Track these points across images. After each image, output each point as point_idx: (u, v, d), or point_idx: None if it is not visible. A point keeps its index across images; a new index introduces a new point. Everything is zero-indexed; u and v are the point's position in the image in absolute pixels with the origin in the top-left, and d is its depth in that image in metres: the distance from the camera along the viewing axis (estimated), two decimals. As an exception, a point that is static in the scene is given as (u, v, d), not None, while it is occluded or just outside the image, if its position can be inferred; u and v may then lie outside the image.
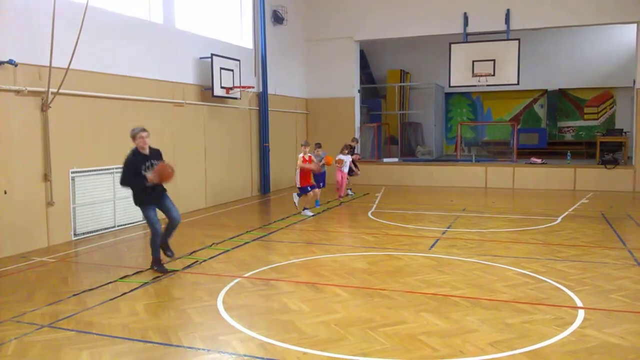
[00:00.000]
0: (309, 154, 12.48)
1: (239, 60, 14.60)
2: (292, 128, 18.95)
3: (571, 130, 24.21)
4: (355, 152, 16.06)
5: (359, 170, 16.13)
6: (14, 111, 8.84)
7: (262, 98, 16.53)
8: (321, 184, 13.42)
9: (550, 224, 11.07)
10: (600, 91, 23.52)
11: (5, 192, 8.70)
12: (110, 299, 6.39)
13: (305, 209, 12.41)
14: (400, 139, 23.09)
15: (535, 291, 6.53)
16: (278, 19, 17.42)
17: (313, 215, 12.20)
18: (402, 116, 23.92)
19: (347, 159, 14.75)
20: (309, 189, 12.41)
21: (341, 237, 10.14)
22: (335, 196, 14.96)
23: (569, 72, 23.28)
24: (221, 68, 13.79)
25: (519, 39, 17.22)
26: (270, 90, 16.84)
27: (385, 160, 20.18)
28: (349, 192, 15.87)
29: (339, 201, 14.53)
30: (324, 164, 13.41)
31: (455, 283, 6.90)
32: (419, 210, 13.23)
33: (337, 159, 14.55)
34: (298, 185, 12.44)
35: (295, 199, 12.55)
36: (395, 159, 20.56)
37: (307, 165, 12.28)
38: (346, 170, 14.72)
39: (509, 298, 6.27)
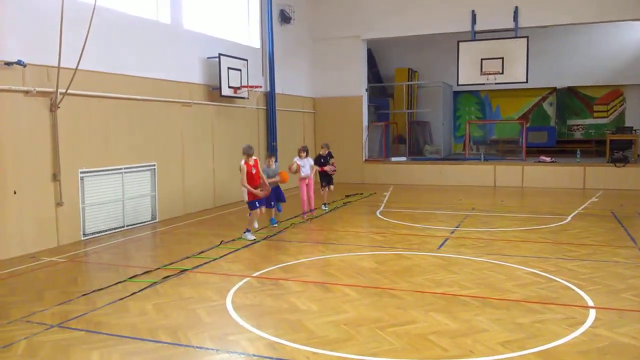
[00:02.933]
0: (255, 159, 9.79)
1: (246, 60, 14.60)
2: (299, 127, 18.95)
3: (580, 129, 24.05)
4: (331, 162, 12.83)
5: (331, 185, 13.00)
6: (23, 111, 8.88)
7: (270, 97, 16.53)
8: (273, 202, 10.67)
9: (559, 223, 10.99)
10: (610, 89, 23.34)
11: (15, 192, 8.74)
12: (120, 299, 6.40)
13: (247, 230, 9.88)
14: (408, 137, 23.02)
15: (546, 290, 6.48)
16: (285, 18, 17.41)
17: (256, 241, 9.59)
18: (410, 115, 23.86)
19: (305, 163, 11.84)
20: (257, 204, 9.79)
21: (349, 236, 10.12)
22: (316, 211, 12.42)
23: (578, 69, 23.12)
24: (229, 68, 13.80)
25: (527, 37, 17.13)
26: (277, 90, 16.84)
27: (393, 159, 20.13)
28: (323, 207, 13.11)
29: (307, 217, 11.84)
30: (277, 182, 10.75)
31: (465, 282, 6.86)
32: (427, 209, 13.18)
33: (293, 162, 11.76)
34: (245, 199, 10.03)
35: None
36: (403, 158, 20.50)
37: (247, 186, 9.59)
38: (305, 173, 11.79)
39: (519, 297, 6.22)
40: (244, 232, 9.85)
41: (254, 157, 9.69)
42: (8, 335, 5.28)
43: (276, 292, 6.60)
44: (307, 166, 11.85)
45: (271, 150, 11.01)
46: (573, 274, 7.19)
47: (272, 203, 10.66)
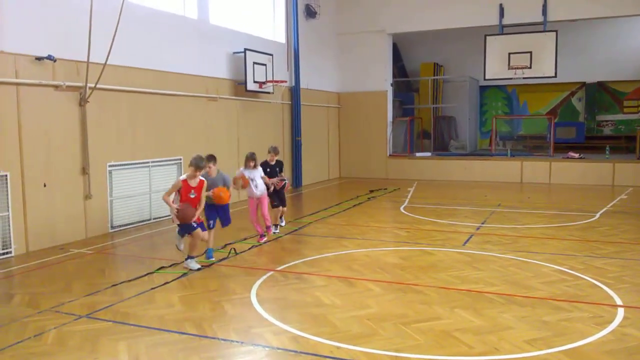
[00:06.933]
0: (202, 180, 7.49)
1: (271, 55, 14.64)
2: (324, 122, 18.94)
3: (610, 124, 23.58)
4: (280, 173, 9.72)
5: (283, 207, 10.03)
6: (53, 106, 9.04)
7: (295, 92, 16.57)
8: (212, 222, 8.08)
9: (588, 220, 10.81)
10: (641, 84, 22.86)
11: (45, 185, 8.92)
12: (147, 291, 6.50)
13: (189, 257, 7.51)
14: (433, 133, 22.86)
15: (573, 288, 6.39)
16: (311, 13, 17.40)
17: (200, 269, 7.44)
18: (435, 110, 23.68)
19: (255, 175, 8.96)
20: (195, 225, 7.41)
21: (373, 231, 10.10)
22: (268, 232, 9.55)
23: (607, 64, 22.65)
24: (254, 63, 13.85)
25: (556, 31, 16.83)
26: (302, 85, 16.86)
27: (417, 154, 20.02)
28: (280, 224, 10.13)
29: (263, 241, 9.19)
30: (210, 197, 7.78)
31: (490, 279, 6.80)
32: (452, 205, 13.09)
33: (237, 175, 8.86)
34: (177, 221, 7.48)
35: (177, 239, 7.73)
36: (428, 154, 20.37)
37: (166, 200, 7.34)
38: (257, 192, 8.97)
39: (545, 295, 6.15)
40: (186, 259, 7.55)
41: (200, 178, 7.43)
42: (38, 325, 5.40)
43: (300, 286, 6.63)
44: (257, 179, 8.94)
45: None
46: (601, 272, 7.07)
47: (211, 223, 8.06)
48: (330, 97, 19.36)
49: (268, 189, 9.33)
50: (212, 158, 7.92)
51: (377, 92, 19.43)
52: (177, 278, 7.01)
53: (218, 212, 8.12)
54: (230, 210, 8.42)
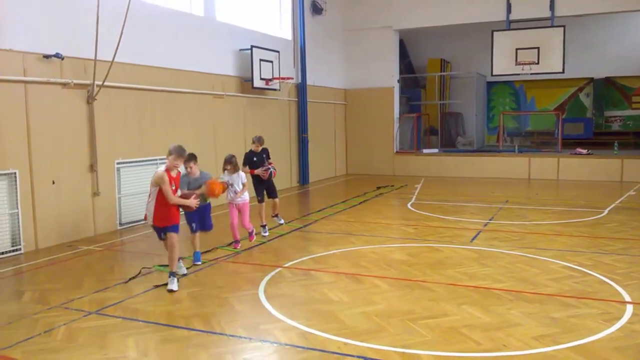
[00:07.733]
0: (179, 171, 6.82)
1: (278, 52, 14.64)
2: (330, 119, 18.94)
3: (618, 120, 23.45)
4: (268, 161, 9.34)
5: (275, 198, 9.71)
6: (61, 103, 9.09)
7: (301, 89, 16.56)
8: (195, 225, 7.58)
9: (596, 217, 10.77)
10: (650, 79, 22.71)
11: (54, 183, 8.97)
12: (155, 287, 6.53)
13: (170, 274, 6.55)
14: (441, 129, 22.79)
15: (581, 285, 6.37)
16: (317, 9, 17.37)
17: (174, 291, 6.39)
18: (442, 106, 23.61)
19: (236, 180, 8.28)
20: (162, 235, 6.73)
21: (380, 228, 10.09)
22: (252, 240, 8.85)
23: (616, 59, 22.51)
24: (261, 59, 13.86)
25: (564, 26, 16.74)
26: (309, 81, 16.85)
27: (424, 151, 19.99)
28: (262, 231, 9.31)
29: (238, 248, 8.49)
30: (204, 195, 7.28)
31: (498, 276, 6.79)
32: (459, 201, 13.06)
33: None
34: (150, 221, 6.78)
35: (178, 267, 6.83)
36: (435, 150, 20.33)
37: (175, 199, 6.55)
38: (237, 197, 8.27)
39: (553, 292, 6.13)
40: (169, 276, 6.57)
41: (179, 170, 6.74)
42: (48, 321, 5.44)
43: (308, 283, 6.64)
44: (237, 184, 8.30)
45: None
46: (609, 268, 7.05)
47: (194, 226, 7.55)
48: (336, 94, 19.34)
49: (255, 180, 9.30)
50: (192, 157, 7.31)
51: (383, 89, 19.38)
52: (185, 274, 7.03)
53: (199, 215, 7.52)
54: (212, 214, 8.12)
